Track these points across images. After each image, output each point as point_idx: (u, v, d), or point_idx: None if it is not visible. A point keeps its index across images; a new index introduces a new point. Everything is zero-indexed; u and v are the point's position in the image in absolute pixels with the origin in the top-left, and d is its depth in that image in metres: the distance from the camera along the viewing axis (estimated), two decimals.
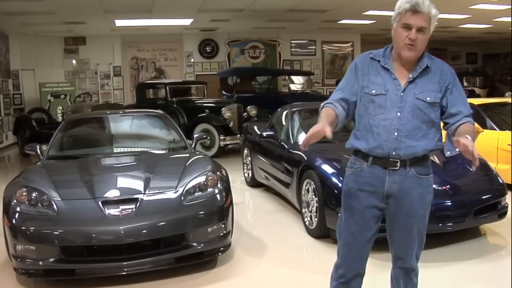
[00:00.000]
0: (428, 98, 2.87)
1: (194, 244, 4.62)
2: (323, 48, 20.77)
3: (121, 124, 6.98)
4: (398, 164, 2.89)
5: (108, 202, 4.59)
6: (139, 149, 6.31)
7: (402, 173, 2.91)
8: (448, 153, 3.02)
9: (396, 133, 2.85)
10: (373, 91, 2.91)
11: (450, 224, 5.05)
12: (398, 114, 2.85)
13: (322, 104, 3.03)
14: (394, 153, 2.86)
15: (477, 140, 7.85)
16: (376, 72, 2.95)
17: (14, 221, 4.44)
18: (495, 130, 7.65)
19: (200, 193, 4.83)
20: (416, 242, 3.05)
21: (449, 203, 5.07)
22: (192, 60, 19.78)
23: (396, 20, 2.87)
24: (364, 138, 2.94)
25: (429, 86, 2.89)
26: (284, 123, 7.60)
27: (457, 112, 2.92)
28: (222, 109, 12.07)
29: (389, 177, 2.91)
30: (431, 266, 4.76)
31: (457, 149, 2.75)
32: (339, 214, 3.19)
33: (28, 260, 4.35)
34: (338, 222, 3.18)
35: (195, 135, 6.55)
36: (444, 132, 3.02)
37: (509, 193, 5.62)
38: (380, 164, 2.91)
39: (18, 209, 4.52)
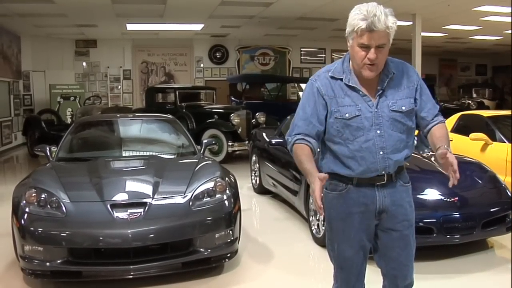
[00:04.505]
0: (403, 108, 2.71)
1: (201, 249, 4.62)
2: (333, 57, 20.73)
3: (131, 128, 7.00)
4: (385, 177, 2.75)
5: (116, 205, 4.61)
6: (148, 153, 6.32)
7: (390, 186, 2.77)
8: (421, 152, 2.92)
9: (381, 152, 2.68)
10: (347, 115, 2.68)
11: (458, 236, 5.03)
12: (378, 132, 2.67)
13: (290, 138, 2.79)
14: (383, 172, 2.72)
15: (487, 152, 7.80)
16: (342, 93, 2.71)
17: (22, 222, 4.47)
18: (504, 142, 7.62)
19: (208, 198, 4.84)
20: (413, 253, 2.92)
21: (457, 215, 5.04)
22: (201, 65, 19.85)
23: (352, 37, 2.64)
24: (347, 164, 2.73)
25: (399, 94, 2.73)
26: None
27: (428, 113, 2.81)
28: (231, 115, 12.10)
29: (379, 193, 2.76)
30: (438, 278, 4.76)
31: (428, 148, 2.68)
32: (327, 240, 2.99)
33: (36, 261, 4.37)
34: (328, 245, 2.98)
35: (204, 141, 6.56)
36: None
37: None
38: (367, 182, 2.74)
39: (27, 210, 4.54)
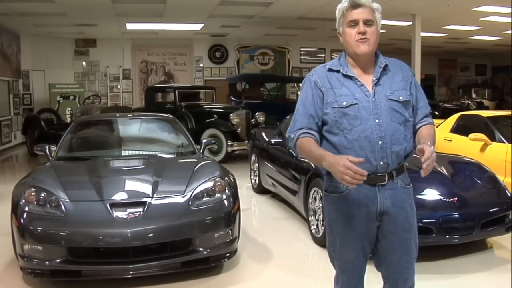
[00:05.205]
0: (400, 97, 2.75)
1: (201, 249, 4.62)
2: (332, 56, 20.70)
3: (130, 127, 6.99)
4: (386, 177, 2.73)
5: (116, 205, 4.60)
6: (148, 153, 6.32)
7: (391, 187, 2.75)
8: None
9: (380, 142, 2.68)
10: (344, 103, 2.71)
11: (457, 236, 5.03)
12: (377, 121, 2.69)
13: (292, 134, 2.80)
14: (381, 163, 2.69)
15: (486, 152, 7.79)
16: (339, 84, 2.77)
17: (22, 221, 4.46)
18: (504, 143, 7.62)
19: (207, 198, 4.84)
20: (414, 257, 2.91)
21: (457, 215, 5.04)
22: (201, 65, 19.87)
23: (341, 23, 2.79)
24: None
25: (395, 85, 2.78)
26: None
27: (419, 111, 2.87)
28: (231, 114, 12.10)
29: (380, 194, 2.74)
30: (437, 278, 4.76)
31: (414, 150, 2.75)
32: (328, 242, 2.98)
33: (35, 260, 4.37)
34: (329, 247, 2.97)
35: (204, 140, 6.55)
36: None
37: None
38: (367, 182, 2.63)
39: (26, 209, 4.54)
